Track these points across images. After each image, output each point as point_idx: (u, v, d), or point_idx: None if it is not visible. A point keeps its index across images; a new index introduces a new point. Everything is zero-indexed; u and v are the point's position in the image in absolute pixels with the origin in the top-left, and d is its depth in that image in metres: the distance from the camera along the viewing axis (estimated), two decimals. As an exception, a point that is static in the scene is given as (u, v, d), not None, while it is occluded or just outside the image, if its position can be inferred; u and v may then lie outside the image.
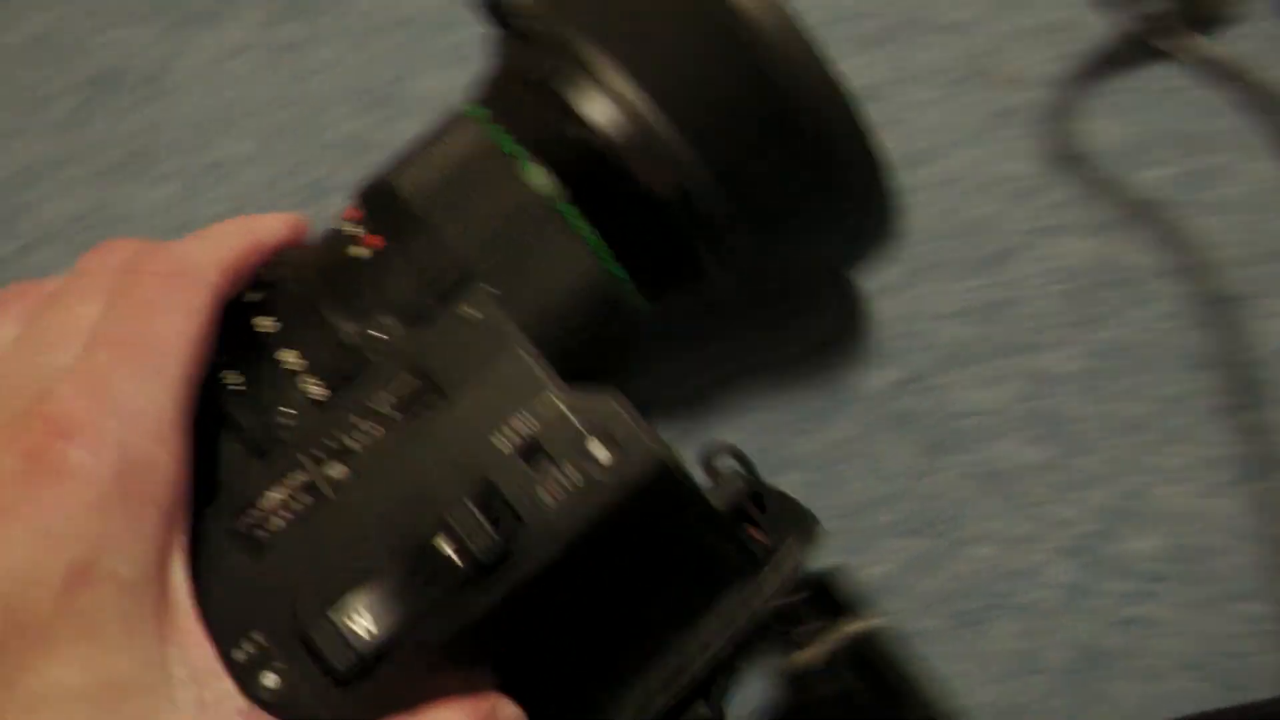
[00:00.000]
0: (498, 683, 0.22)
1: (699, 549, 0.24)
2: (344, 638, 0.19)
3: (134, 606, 0.18)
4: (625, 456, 0.20)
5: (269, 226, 0.24)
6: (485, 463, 0.20)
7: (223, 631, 0.20)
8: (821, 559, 0.29)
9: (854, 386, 0.31)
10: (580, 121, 0.23)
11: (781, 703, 0.21)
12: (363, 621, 0.19)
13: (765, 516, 0.25)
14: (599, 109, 0.23)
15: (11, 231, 0.36)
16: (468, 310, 0.22)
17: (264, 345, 0.23)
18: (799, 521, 0.25)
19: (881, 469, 0.30)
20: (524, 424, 0.20)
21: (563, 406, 0.20)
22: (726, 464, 0.26)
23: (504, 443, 0.20)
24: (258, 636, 0.19)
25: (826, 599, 0.22)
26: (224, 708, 0.18)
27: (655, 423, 0.20)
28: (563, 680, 0.24)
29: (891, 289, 0.32)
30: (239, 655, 0.19)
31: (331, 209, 0.35)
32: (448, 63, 0.36)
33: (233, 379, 0.23)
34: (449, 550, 0.19)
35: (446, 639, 0.19)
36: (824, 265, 0.31)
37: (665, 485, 0.20)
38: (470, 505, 0.19)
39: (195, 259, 0.22)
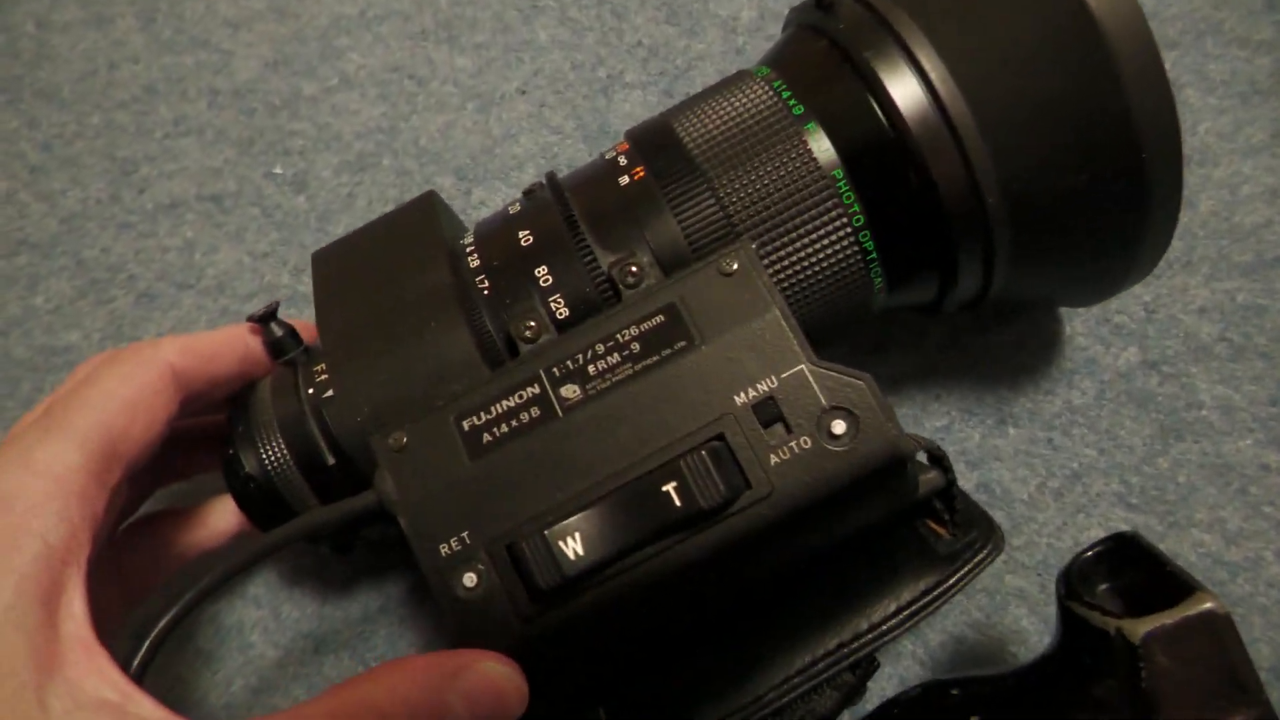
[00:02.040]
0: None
1: (886, 533, 0.24)
2: (554, 558, 0.19)
3: (6, 641, 0.17)
4: (863, 438, 0.20)
5: (253, 344, 0.26)
6: (722, 416, 0.20)
7: (430, 524, 0.20)
8: (1040, 516, 0.30)
9: (1096, 359, 0.32)
10: (885, 99, 0.23)
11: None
12: (574, 545, 0.19)
13: (954, 513, 0.25)
14: (906, 90, 0.23)
15: (317, 73, 0.39)
16: (728, 263, 0.22)
17: (517, 256, 0.24)
18: (987, 526, 0.25)
19: (1115, 441, 0.31)
20: (768, 386, 0.20)
21: (812, 378, 0.20)
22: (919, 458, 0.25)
23: (744, 401, 0.20)
24: (465, 535, 0.20)
25: (1134, 560, 0.22)
26: None
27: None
28: (731, 636, 0.24)
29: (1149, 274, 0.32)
30: (444, 550, 0.20)
31: (616, 104, 0.37)
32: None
33: (482, 282, 0.24)
34: (672, 493, 0.19)
35: (642, 583, 0.20)
36: (1058, 301, 0.30)
37: (892, 474, 0.20)
38: (704, 454, 0.19)
39: (158, 342, 0.24)
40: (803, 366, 0.20)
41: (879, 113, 0.23)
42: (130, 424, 0.22)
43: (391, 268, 0.25)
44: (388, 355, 0.23)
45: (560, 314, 0.23)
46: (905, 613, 0.23)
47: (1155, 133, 0.22)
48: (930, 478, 0.24)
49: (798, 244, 0.24)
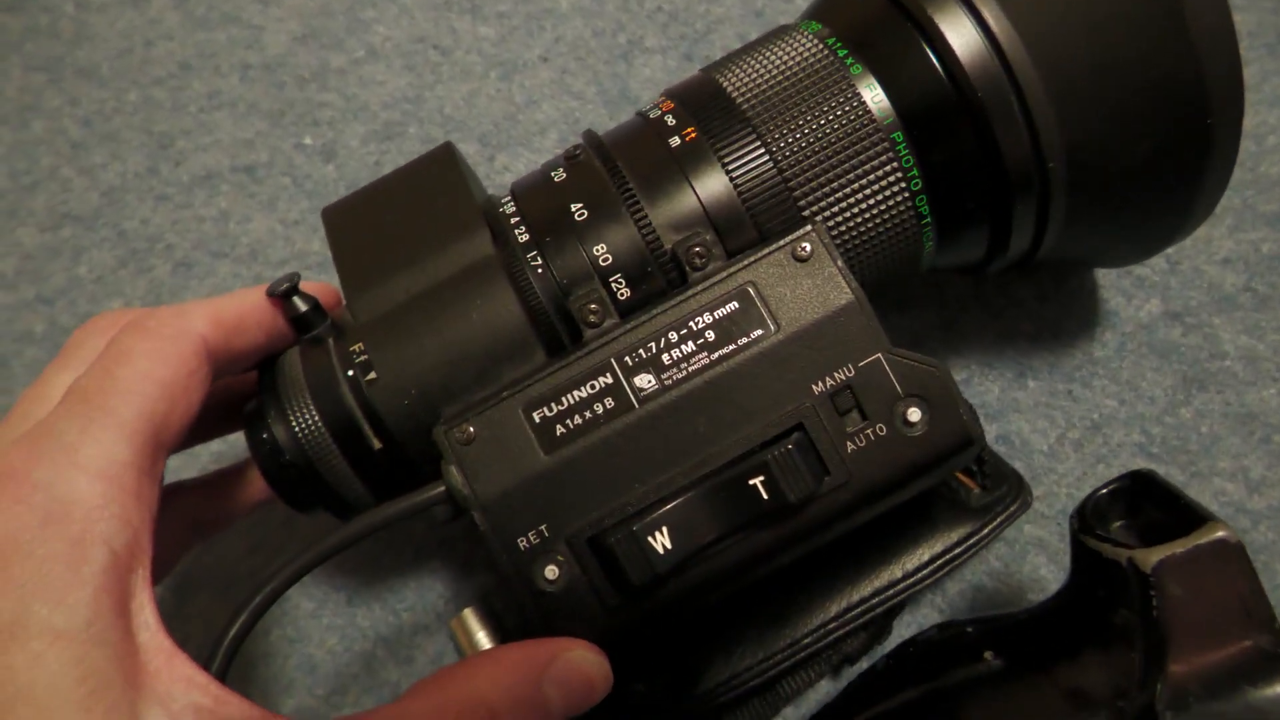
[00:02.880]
0: None
1: (926, 492, 0.24)
2: (645, 554, 0.19)
3: (84, 657, 0.16)
4: (937, 426, 0.20)
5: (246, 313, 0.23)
6: (800, 406, 0.20)
7: (506, 519, 0.20)
8: (1059, 467, 0.30)
9: (1118, 311, 0.32)
10: (944, 50, 0.22)
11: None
12: (663, 540, 0.19)
13: (983, 472, 0.26)
14: (967, 41, 0.21)
15: (344, 45, 0.40)
16: (800, 246, 0.21)
17: (572, 232, 0.23)
18: (1016, 482, 0.26)
19: (1136, 392, 0.31)
20: (846, 375, 0.20)
21: (888, 366, 0.20)
22: None
23: (822, 389, 0.20)
24: (544, 529, 0.20)
25: (1151, 498, 0.22)
26: None
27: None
28: (773, 587, 0.25)
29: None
30: (523, 543, 0.20)
31: (636, 69, 0.38)
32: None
33: (534, 259, 0.23)
34: (760, 487, 0.19)
35: (724, 570, 0.20)
36: (1100, 262, 0.30)
37: (964, 454, 0.20)
38: (790, 448, 0.19)
39: (186, 312, 0.22)
40: (879, 355, 0.20)
41: (937, 65, 0.22)
42: (171, 410, 0.20)
43: (422, 231, 0.24)
44: (433, 335, 0.22)
45: (622, 294, 0.22)
46: (938, 562, 0.24)
47: (1223, 101, 0.21)
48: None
49: (851, 200, 0.23)
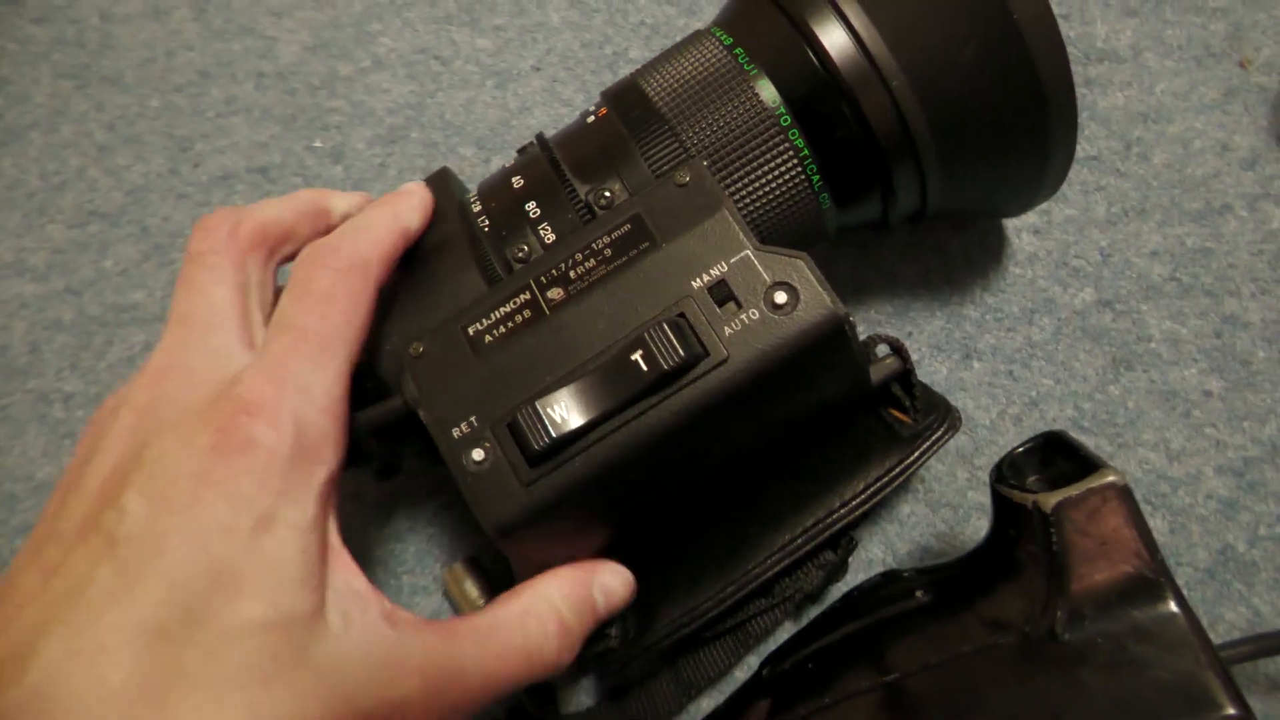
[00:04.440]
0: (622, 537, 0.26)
1: (848, 417, 0.28)
2: (544, 423, 0.22)
3: (307, 546, 0.21)
4: (804, 305, 0.22)
5: (411, 217, 0.27)
6: (682, 299, 0.23)
7: (444, 413, 0.24)
8: (1000, 440, 0.33)
9: (1055, 299, 0.35)
10: (818, 47, 0.26)
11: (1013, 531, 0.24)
12: (561, 411, 0.22)
13: (914, 403, 0.28)
14: (836, 39, 0.26)
15: (352, 55, 0.43)
16: (682, 175, 0.25)
17: (511, 197, 0.28)
18: (945, 409, 0.28)
19: (1070, 371, 0.34)
20: (720, 271, 0.23)
21: (755, 260, 0.23)
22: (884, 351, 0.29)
23: (700, 285, 0.23)
24: (473, 419, 0.23)
25: (1061, 455, 0.25)
26: (370, 617, 0.21)
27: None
28: (721, 521, 0.28)
29: (1104, 222, 0.35)
30: (456, 433, 0.23)
31: (621, 78, 0.41)
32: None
33: (483, 222, 0.28)
34: (640, 360, 0.22)
35: (625, 445, 0.22)
36: (991, 210, 0.34)
37: (834, 337, 0.23)
38: (664, 326, 0.22)
39: (364, 254, 0.25)
40: (747, 251, 0.23)
41: (815, 62, 0.27)
42: (359, 338, 0.24)
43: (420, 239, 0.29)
44: (412, 303, 0.27)
45: (548, 239, 0.27)
46: (874, 488, 0.27)
47: (1048, 61, 0.25)
48: (889, 363, 0.27)
49: (751, 174, 0.27)
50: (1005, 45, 0.25)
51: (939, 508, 0.33)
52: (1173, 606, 0.21)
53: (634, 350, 0.22)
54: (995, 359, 0.34)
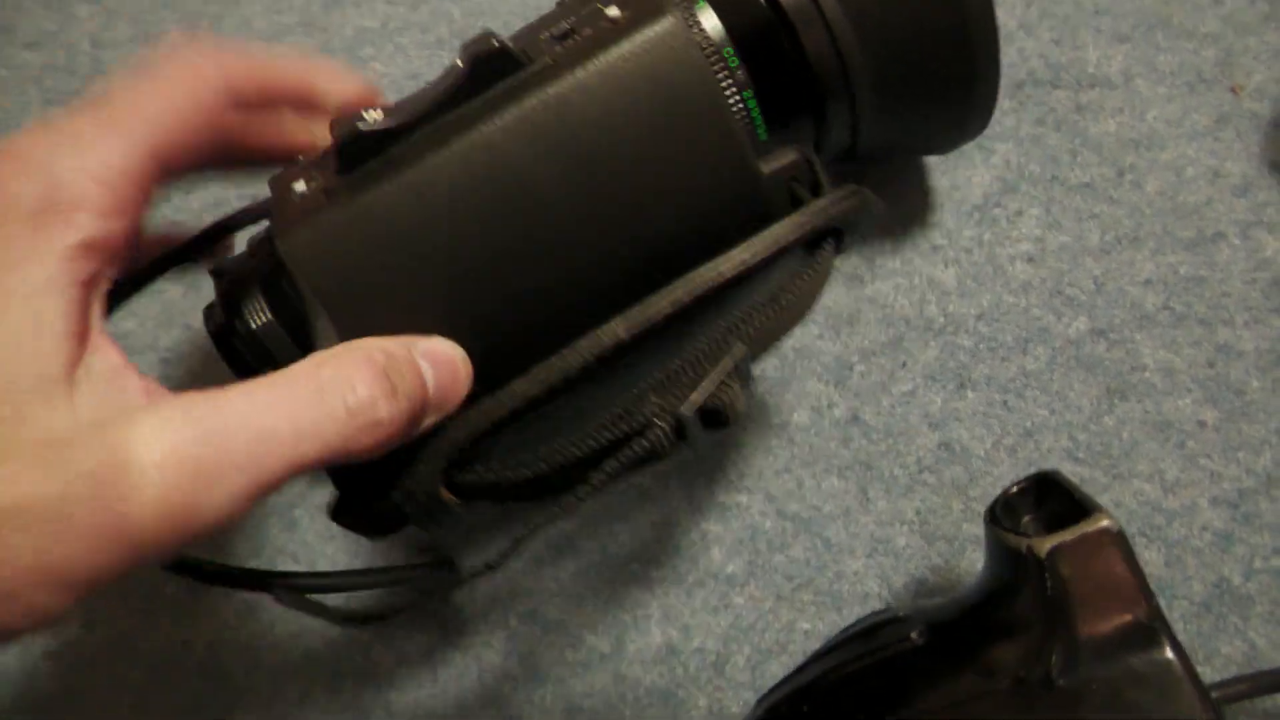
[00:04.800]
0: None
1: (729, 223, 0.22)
2: (354, 122, 0.21)
3: (40, 310, 0.18)
4: (635, 13, 0.21)
5: (334, 78, 0.25)
6: (530, 49, 0.22)
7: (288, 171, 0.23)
8: (995, 471, 0.33)
9: (1049, 328, 0.35)
10: None
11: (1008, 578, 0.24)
12: (375, 114, 0.21)
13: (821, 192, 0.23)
14: None
15: (343, 82, 0.43)
16: (614, 10, 0.23)
17: None
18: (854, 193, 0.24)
19: (1065, 401, 0.34)
20: (569, 22, 0.22)
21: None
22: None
23: (549, 35, 0.22)
24: (308, 167, 0.23)
25: (1054, 495, 0.25)
26: (128, 393, 0.19)
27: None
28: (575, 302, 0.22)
29: (1098, 250, 0.35)
30: (298, 186, 0.22)
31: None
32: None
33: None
34: (459, 61, 0.21)
35: (437, 150, 0.21)
36: (920, 147, 0.35)
37: (675, 49, 0.21)
38: (493, 39, 0.21)
39: (228, 52, 0.23)
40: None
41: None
42: (180, 136, 0.21)
43: None
44: None
45: None
46: (748, 258, 0.21)
47: (975, 14, 0.27)
48: (785, 153, 0.23)
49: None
50: None
51: (934, 540, 0.33)
52: (1168, 652, 0.21)
53: (458, 59, 0.21)
54: (990, 388, 0.34)
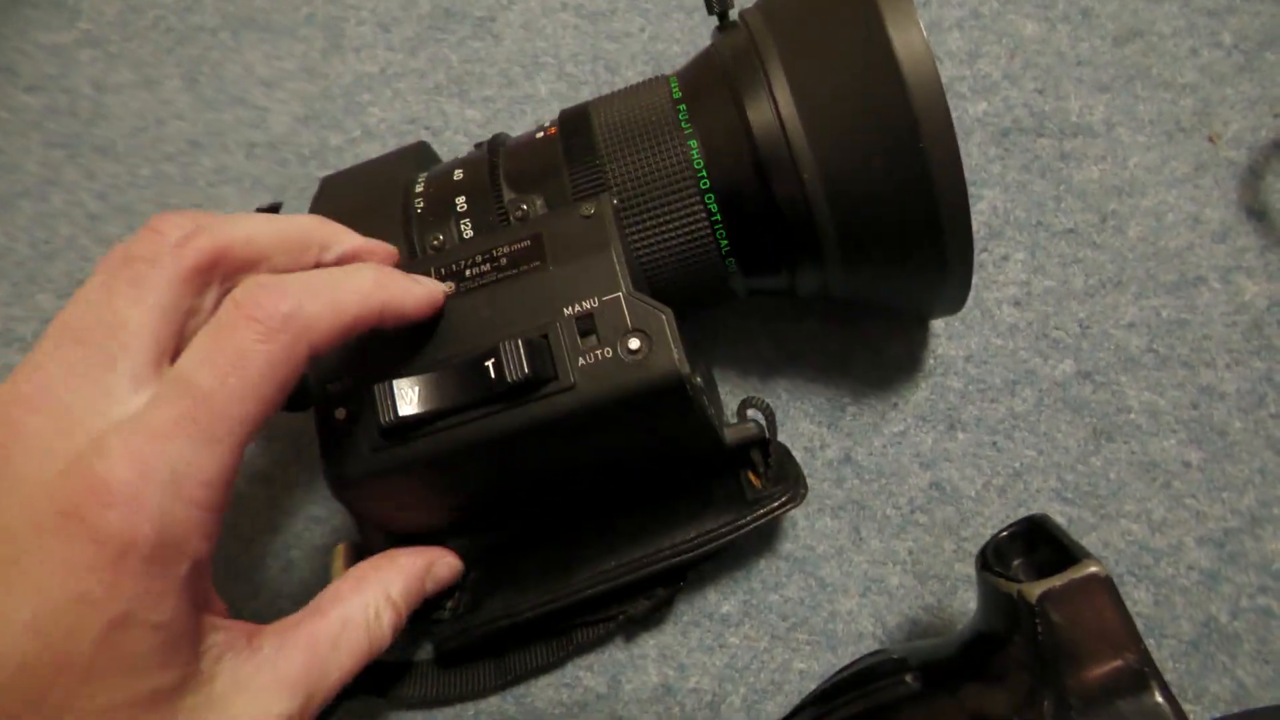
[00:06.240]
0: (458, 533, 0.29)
1: (704, 468, 0.30)
2: (394, 402, 0.24)
3: (169, 637, 0.19)
4: (654, 357, 0.24)
5: (400, 296, 0.24)
6: (550, 322, 0.25)
7: (327, 367, 0.26)
8: (985, 511, 0.34)
9: (1036, 370, 0.35)
10: (744, 121, 0.28)
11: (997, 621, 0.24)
12: (410, 395, 0.24)
13: (768, 467, 0.30)
14: (761, 117, 0.27)
15: (342, 125, 0.44)
16: (588, 208, 0.27)
17: (447, 187, 0.30)
18: (795, 482, 0.29)
19: (1052, 443, 0.34)
20: (590, 305, 0.25)
21: (624, 302, 0.25)
22: (756, 415, 0.31)
23: (570, 313, 0.25)
24: (349, 380, 0.26)
25: (1043, 539, 0.25)
26: (239, 657, 0.22)
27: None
28: (561, 538, 0.30)
29: (1082, 294, 0.36)
30: (332, 387, 0.26)
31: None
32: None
33: (419, 204, 0.30)
34: (490, 368, 0.24)
35: (466, 441, 0.24)
36: (895, 311, 0.34)
37: (675, 392, 0.24)
38: (520, 342, 0.24)
39: (310, 314, 0.21)
40: (619, 294, 0.25)
41: (738, 132, 0.28)
42: (265, 411, 0.21)
43: (369, 192, 0.32)
44: None
45: (466, 233, 0.29)
46: (704, 539, 0.29)
47: (949, 193, 0.25)
48: (747, 429, 0.29)
49: (662, 223, 0.29)
50: (910, 167, 0.25)
51: (927, 579, 0.33)
52: (1158, 698, 0.22)
53: (489, 358, 0.24)
54: (979, 430, 0.35)
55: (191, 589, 0.20)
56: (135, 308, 0.20)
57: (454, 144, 0.42)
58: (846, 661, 0.32)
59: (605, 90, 0.42)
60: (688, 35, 0.43)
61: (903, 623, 0.33)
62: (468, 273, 0.27)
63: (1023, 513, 0.33)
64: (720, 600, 0.34)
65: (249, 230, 0.23)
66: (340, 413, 0.25)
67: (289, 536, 0.36)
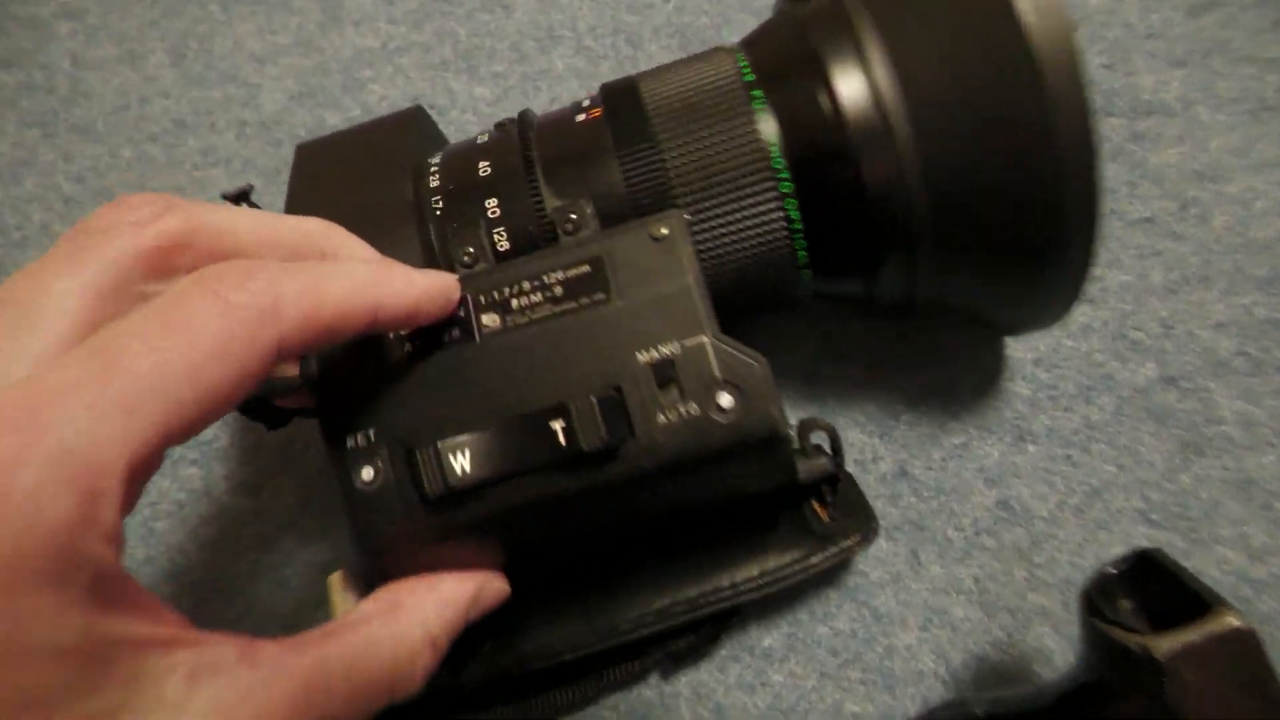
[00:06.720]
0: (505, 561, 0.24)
1: (765, 504, 0.26)
2: (443, 469, 0.20)
3: (86, 665, 0.15)
4: (748, 415, 0.20)
5: (402, 298, 0.20)
6: (622, 371, 0.21)
7: (342, 416, 0.21)
8: (1060, 533, 0.30)
9: (1114, 375, 0.32)
10: (831, 94, 0.24)
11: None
12: (463, 461, 0.20)
13: (836, 499, 0.27)
14: (852, 88, 0.23)
15: (340, 104, 0.40)
16: (659, 228, 0.22)
17: (473, 185, 0.25)
18: (864, 518, 0.27)
19: (1135, 457, 0.30)
20: (671, 351, 0.21)
21: (711, 350, 0.21)
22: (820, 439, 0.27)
23: (646, 359, 0.21)
24: (371, 432, 0.21)
25: (1155, 576, 0.22)
26: (222, 675, 0.17)
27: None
28: (606, 571, 0.26)
29: (1163, 290, 0.32)
30: (350, 442, 0.21)
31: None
32: (761, 16, 0.39)
33: (437, 203, 0.26)
34: (559, 431, 0.20)
35: (524, 503, 0.21)
36: (985, 322, 0.29)
37: (768, 450, 0.21)
38: (594, 401, 0.20)
39: (283, 292, 0.18)
40: (705, 338, 0.21)
41: (823, 106, 0.24)
42: (210, 408, 0.17)
43: (363, 174, 0.27)
44: None
45: (501, 246, 0.25)
46: (767, 578, 0.26)
47: (1073, 156, 0.21)
48: (819, 464, 0.26)
49: (727, 212, 0.25)
50: (1031, 154, 0.21)
51: (996, 612, 0.29)
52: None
53: (556, 417, 0.20)
54: (1051, 442, 0.31)
55: (107, 601, 0.15)
56: (66, 280, 0.17)
57: (461, 123, 0.39)
58: (905, 704, 0.28)
59: (628, 65, 0.39)
60: (716, 6, 0.39)
61: (969, 660, 0.29)
62: (514, 303, 0.22)
63: (1104, 536, 0.30)
64: (762, 633, 0.30)
65: (232, 222, 0.20)
66: (367, 472, 0.21)
67: (282, 555, 0.33)
